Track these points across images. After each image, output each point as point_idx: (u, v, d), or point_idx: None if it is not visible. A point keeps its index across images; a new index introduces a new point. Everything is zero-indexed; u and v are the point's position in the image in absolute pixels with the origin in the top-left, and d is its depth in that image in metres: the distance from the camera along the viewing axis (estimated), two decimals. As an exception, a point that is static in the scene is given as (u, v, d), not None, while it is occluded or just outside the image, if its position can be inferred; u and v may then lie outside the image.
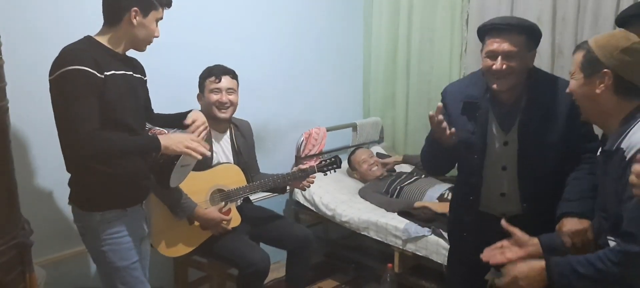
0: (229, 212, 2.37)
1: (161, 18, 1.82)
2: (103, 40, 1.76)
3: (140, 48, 1.84)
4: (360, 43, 3.78)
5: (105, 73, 1.68)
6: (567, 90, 1.56)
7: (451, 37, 3.26)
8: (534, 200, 1.90)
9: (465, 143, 1.92)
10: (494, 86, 1.82)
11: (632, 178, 1.24)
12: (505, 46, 1.76)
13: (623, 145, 1.37)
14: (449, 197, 2.87)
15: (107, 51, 1.75)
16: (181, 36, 2.61)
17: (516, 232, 1.63)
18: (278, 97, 3.25)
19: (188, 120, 1.90)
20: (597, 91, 1.44)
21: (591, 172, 1.76)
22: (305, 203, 3.19)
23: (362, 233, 2.86)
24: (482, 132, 1.90)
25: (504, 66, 1.77)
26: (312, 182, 2.52)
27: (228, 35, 2.93)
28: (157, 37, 1.83)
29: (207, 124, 1.94)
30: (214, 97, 2.39)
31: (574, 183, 1.81)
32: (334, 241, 3.42)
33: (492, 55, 1.79)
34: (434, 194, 2.94)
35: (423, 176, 3.17)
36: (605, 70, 1.42)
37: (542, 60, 2.86)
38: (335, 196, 3.10)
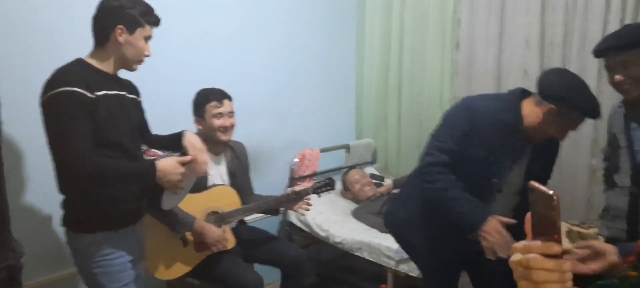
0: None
1: (150, 36, 1.83)
2: (93, 61, 1.77)
3: (130, 67, 1.84)
4: (353, 65, 3.83)
5: (97, 93, 1.69)
6: None
7: (441, 60, 3.32)
8: None
9: (487, 163, 1.89)
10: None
11: None
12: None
13: None
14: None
15: (98, 72, 1.76)
16: (173, 57, 2.64)
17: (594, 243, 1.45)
18: (272, 119, 3.28)
19: (185, 143, 1.91)
20: None
21: None
22: (299, 224, 3.19)
23: (356, 254, 2.86)
24: (513, 158, 1.91)
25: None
26: (310, 206, 2.51)
27: (221, 57, 2.97)
28: (147, 56, 1.83)
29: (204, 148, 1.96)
30: (218, 122, 2.40)
31: None
32: (327, 262, 3.41)
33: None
34: (427, 215, 2.95)
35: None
36: None
37: (530, 82, 2.90)
38: (329, 217, 3.11)
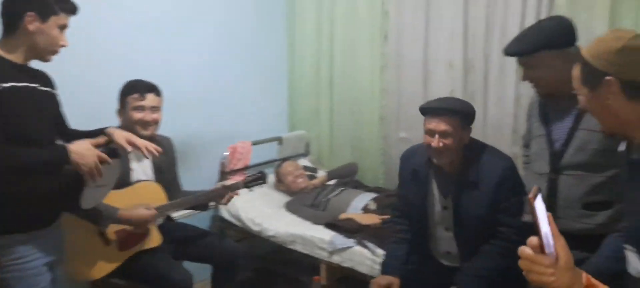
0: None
1: (65, 25, 1.71)
2: (1, 50, 1.64)
3: (44, 58, 1.71)
4: (285, 57, 3.80)
5: (3, 85, 1.57)
6: (579, 106, 1.45)
7: (371, 53, 3.36)
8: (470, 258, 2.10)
9: (412, 206, 2.19)
10: (434, 160, 2.07)
11: None
12: (442, 127, 1.98)
13: None
14: (373, 208, 2.94)
15: (6, 62, 1.63)
16: (96, 45, 2.50)
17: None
18: (201, 112, 3.19)
19: (109, 130, 1.82)
20: (608, 102, 1.30)
21: (501, 253, 1.99)
22: (231, 219, 3.13)
23: (289, 247, 2.85)
24: (423, 197, 2.15)
25: (441, 144, 1.98)
26: (234, 196, 2.46)
27: (150, 48, 2.86)
28: (64, 46, 1.71)
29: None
30: (137, 115, 2.29)
31: (481, 258, 2.04)
32: (260, 256, 3.38)
33: (431, 133, 2.01)
34: (359, 204, 2.99)
35: (348, 188, 3.22)
36: (607, 78, 1.27)
37: (454, 74, 3.01)
38: (262, 210, 3.07)
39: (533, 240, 0.88)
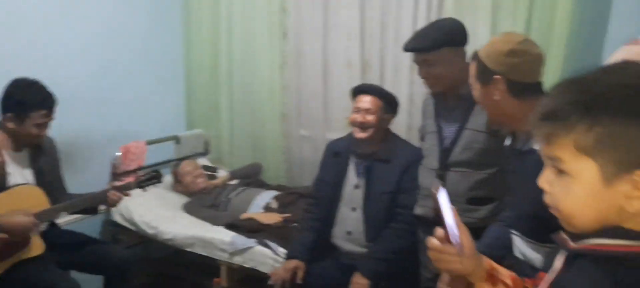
0: None
1: None
2: None
3: None
4: (181, 52, 3.66)
5: None
6: (475, 100, 1.58)
7: (270, 50, 3.33)
8: (376, 240, 2.24)
9: (326, 186, 2.38)
10: (356, 136, 2.25)
11: None
12: (366, 104, 2.24)
13: (536, 146, 1.34)
14: (275, 206, 2.92)
15: None
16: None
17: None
18: (90, 109, 2.98)
19: None
20: (496, 97, 1.45)
21: (399, 235, 2.19)
22: (124, 223, 2.96)
23: (188, 249, 2.75)
24: (339, 176, 2.35)
25: (364, 119, 2.23)
26: (125, 196, 2.31)
27: (36, 41, 2.63)
28: None
29: None
30: (38, 131, 2.15)
31: (383, 241, 2.22)
32: (157, 260, 3.23)
33: (357, 110, 2.26)
34: (261, 203, 2.96)
35: (250, 187, 3.18)
36: (496, 76, 1.42)
37: (352, 73, 3.08)
38: (158, 213, 2.93)
39: (439, 231, 0.94)
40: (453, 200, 1.18)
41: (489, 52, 1.46)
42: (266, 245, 2.55)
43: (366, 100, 2.26)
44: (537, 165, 0.80)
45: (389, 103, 2.30)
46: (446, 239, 0.93)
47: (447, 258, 0.93)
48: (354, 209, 2.32)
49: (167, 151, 3.48)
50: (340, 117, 3.17)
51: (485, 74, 1.45)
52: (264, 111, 3.44)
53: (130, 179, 2.41)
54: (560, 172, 0.74)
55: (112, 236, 3.07)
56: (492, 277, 0.96)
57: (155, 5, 3.41)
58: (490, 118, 1.58)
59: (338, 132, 3.01)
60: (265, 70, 3.37)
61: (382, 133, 2.31)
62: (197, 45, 3.60)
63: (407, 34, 2.86)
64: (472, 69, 1.53)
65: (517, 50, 1.41)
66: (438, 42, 1.88)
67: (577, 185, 0.72)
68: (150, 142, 3.22)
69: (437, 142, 2.01)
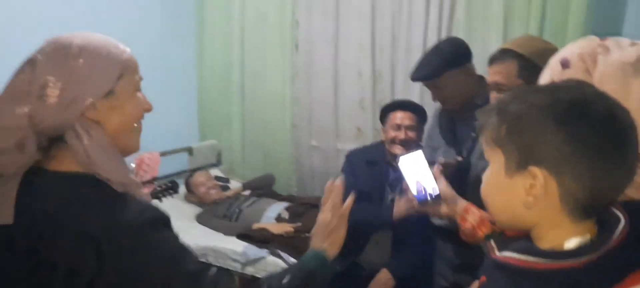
0: None
1: None
2: None
3: None
4: (194, 64, 3.70)
5: None
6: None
7: (282, 61, 3.36)
8: (403, 248, 2.27)
9: (365, 196, 2.24)
10: (397, 152, 2.18)
11: None
12: (407, 121, 2.28)
13: None
14: (286, 217, 2.93)
15: None
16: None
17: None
18: (104, 121, 3.00)
19: None
20: None
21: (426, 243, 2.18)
22: (138, 234, 2.98)
23: (201, 260, 2.75)
24: (380, 187, 2.33)
25: (407, 136, 2.25)
26: None
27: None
28: None
29: None
30: None
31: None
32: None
33: (397, 127, 2.28)
34: (272, 214, 2.97)
35: (261, 197, 3.19)
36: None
37: (364, 84, 3.10)
38: (172, 223, 2.95)
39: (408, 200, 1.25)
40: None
41: (530, 49, 1.50)
42: (278, 255, 2.56)
43: (407, 117, 2.27)
44: None
45: (423, 115, 2.35)
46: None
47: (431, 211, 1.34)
48: None
49: (180, 162, 3.51)
50: (350, 127, 3.18)
51: (532, 71, 1.44)
52: (275, 122, 3.46)
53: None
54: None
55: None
56: (467, 211, 1.32)
57: (168, 17, 3.45)
58: None
59: (349, 142, 3.03)
60: (277, 81, 3.40)
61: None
62: (210, 57, 3.63)
63: (418, 45, 2.89)
64: (512, 68, 1.55)
65: (552, 47, 1.46)
66: (441, 68, 1.88)
67: (490, 172, 0.81)
68: (163, 153, 3.25)
69: (454, 151, 2.01)
